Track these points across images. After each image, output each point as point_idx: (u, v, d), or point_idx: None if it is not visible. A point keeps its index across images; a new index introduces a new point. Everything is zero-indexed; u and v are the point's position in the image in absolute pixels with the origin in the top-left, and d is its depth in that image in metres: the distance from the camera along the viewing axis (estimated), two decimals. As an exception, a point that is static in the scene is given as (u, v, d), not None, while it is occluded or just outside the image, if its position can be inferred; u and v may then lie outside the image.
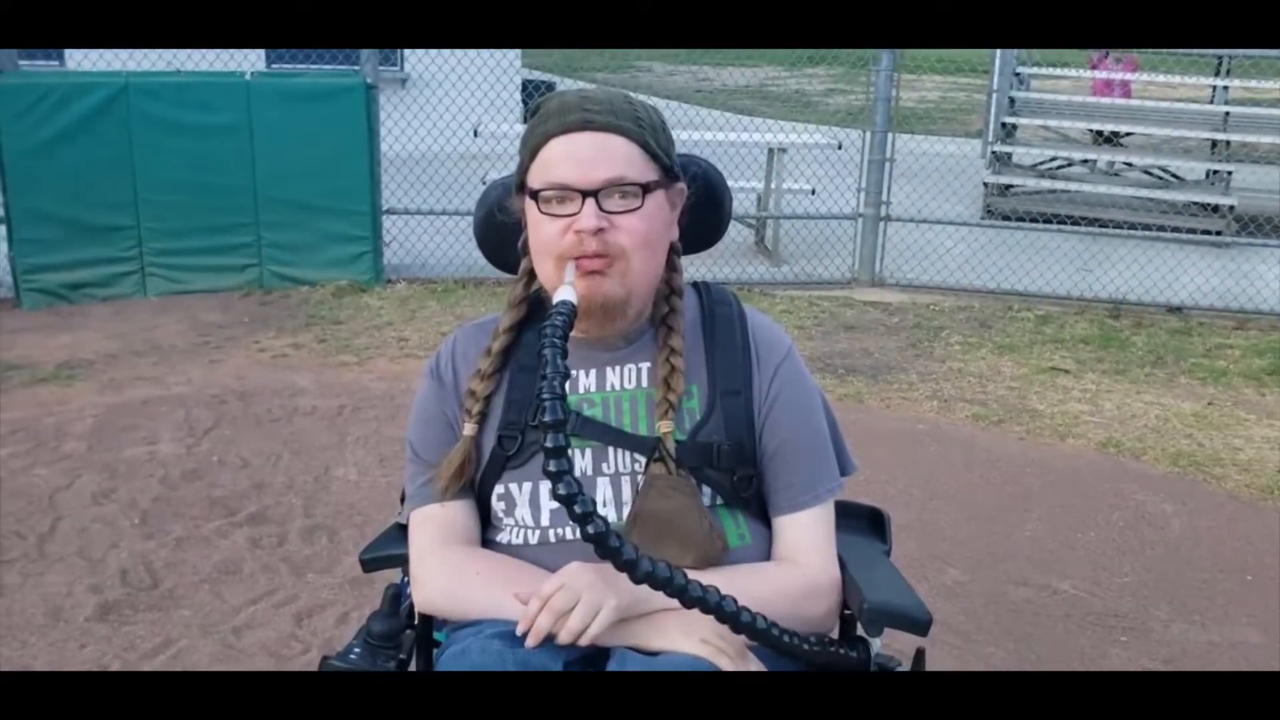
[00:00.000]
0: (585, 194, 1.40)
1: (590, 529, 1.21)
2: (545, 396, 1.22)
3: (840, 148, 6.81)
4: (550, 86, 11.14)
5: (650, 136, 1.45)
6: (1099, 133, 8.73)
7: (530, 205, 1.45)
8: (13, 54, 5.47)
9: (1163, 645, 2.82)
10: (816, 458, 1.54)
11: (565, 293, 1.36)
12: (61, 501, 3.38)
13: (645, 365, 1.52)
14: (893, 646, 1.67)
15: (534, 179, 1.43)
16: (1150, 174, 8.46)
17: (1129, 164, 8.49)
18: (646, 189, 1.43)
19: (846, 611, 1.52)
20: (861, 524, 1.71)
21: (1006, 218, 7.42)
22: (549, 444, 1.20)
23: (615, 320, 1.48)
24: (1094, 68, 9.67)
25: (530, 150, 1.45)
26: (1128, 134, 8.86)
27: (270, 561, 3.07)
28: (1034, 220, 6.79)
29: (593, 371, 1.52)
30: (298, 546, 3.16)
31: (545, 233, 1.43)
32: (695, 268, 5.90)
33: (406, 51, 9.83)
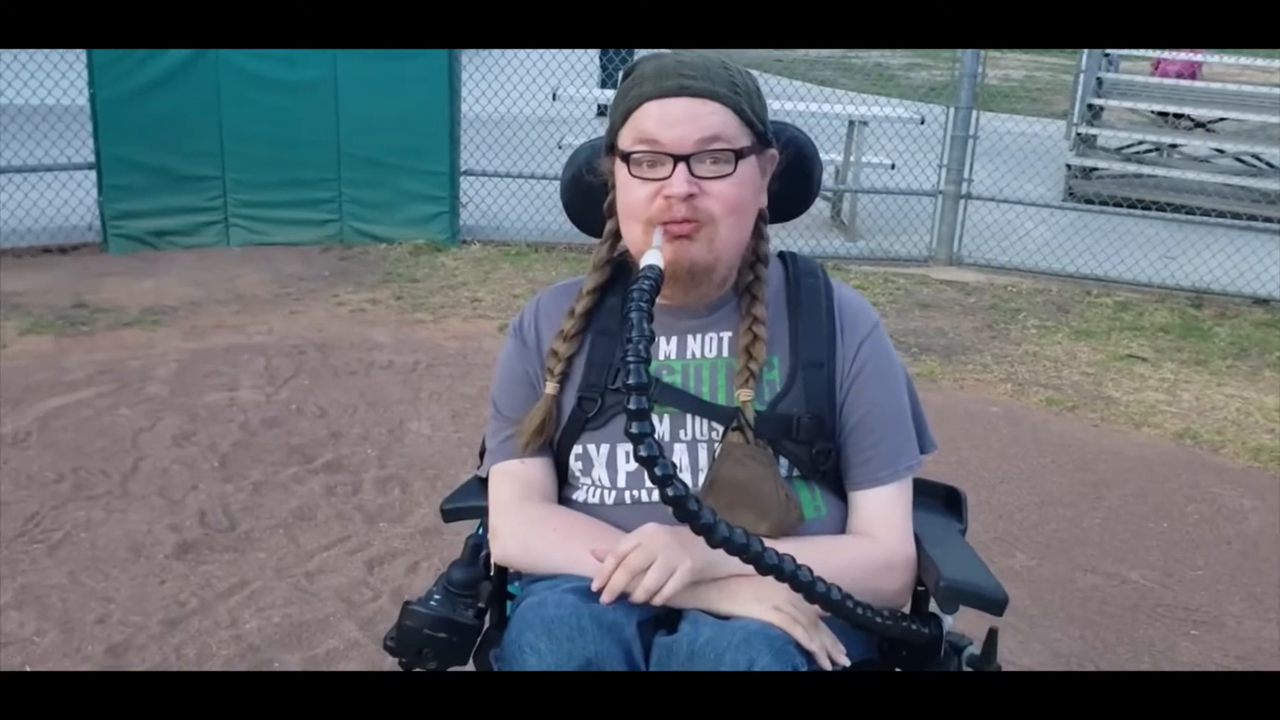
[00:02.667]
0: (677, 158, 1.39)
1: (670, 491, 1.22)
2: (630, 359, 1.23)
3: (923, 122, 6.70)
4: (630, 53, 11.09)
5: (745, 102, 1.44)
6: (1170, 114, 8.50)
7: (620, 167, 1.45)
8: (109, 3, 5.58)
9: (1236, 641, 2.77)
10: (897, 433, 1.53)
11: (652, 257, 1.37)
12: (144, 442, 3.48)
13: (727, 334, 1.52)
14: (964, 628, 1.67)
15: (625, 141, 1.44)
16: (1242, 161, 8.22)
17: (1220, 150, 8.25)
18: (740, 155, 1.42)
19: (919, 588, 1.52)
20: (937, 502, 1.71)
21: (1089, 201, 7.25)
22: (632, 406, 1.21)
23: (700, 286, 1.49)
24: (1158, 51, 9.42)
25: (623, 112, 1.45)
26: (1219, 119, 8.59)
27: (344, 509, 3.14)
28: (1118, 204, 6.63)
29: (674, 338, 1.53)
30: (371, 496, 3.22)
31: (634, 196, 1.43)
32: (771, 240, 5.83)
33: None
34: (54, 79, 5.67)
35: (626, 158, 1.43)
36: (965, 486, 3.47)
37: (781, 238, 5.92)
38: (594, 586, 1.35)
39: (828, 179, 7.06)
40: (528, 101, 6.44)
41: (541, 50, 6.65)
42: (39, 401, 3.73)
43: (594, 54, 9.54)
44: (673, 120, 1.40)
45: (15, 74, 5.49)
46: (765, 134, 1.48)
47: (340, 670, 2.43)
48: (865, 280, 5.76)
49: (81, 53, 5.37)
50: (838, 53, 17.27)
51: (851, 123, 6.77)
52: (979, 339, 4.97)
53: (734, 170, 1.42)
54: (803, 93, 7.85)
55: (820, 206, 7.08)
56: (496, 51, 7.76)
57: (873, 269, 6.00)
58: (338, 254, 5.70)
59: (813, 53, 17.15)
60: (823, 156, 6.32)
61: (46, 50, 5.67)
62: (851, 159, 6.72)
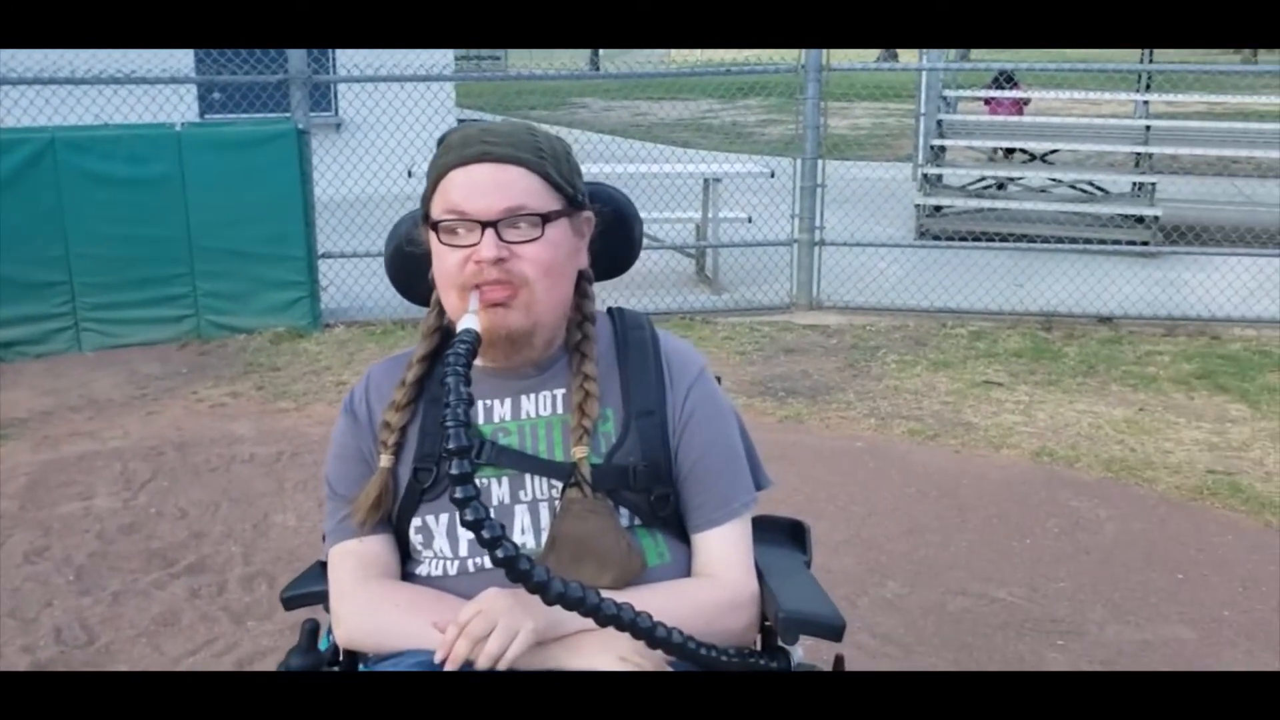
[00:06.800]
0: (485, 224, 1.42)
1: (499, 553, 1.22)
2: (449, 424, 1.23)
3: (773, 175, 6.90)
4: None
5: (552, 167, 1.47)
6: (1006, 151, 9.03)
7: (433, 236, 1.47)
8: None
9: (1099, 647, 2.87)
10: (731, 474, 1.56)
11: (469, 321, 1.38)
12: (-7, 562, 3.32)
13: (560, 392, 1.54)
14: (824, 657, 1.70)
15: (436, 210, 1.46)
16: (1078, 189, 8.67)
17: (1056, 180, 8.70)
18: (547, 219, 1.45)
19: (767, 623, 1.54)
20: (782, 537, 1.74)
21: (938, 238, 7.56)
22: (454, 471, 1.22)
23: (522, 350, 1.50)
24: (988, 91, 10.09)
25: (432, 181, 1.47)
26: (1052, 151, 9.05)
27: (209, 611, 3.04)
28: (965, 239, 6.92)
29: (508, 400, 1.54)
30: (237, 595, 3.13)
31: (447, 263, 1.45)
32: (636, 298, 5.93)
33: (339, 96, 9.83)
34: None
35: (437, 226, 1.45)
36: (835, 522, 3.55)
37: (650, 295, 6.05)
38: (437, 659, 1.34)
39: (689, 236, 7.21)
40: (383, 180, 6.44)
41: (394, 129, 6.67)
42: (-124, 531, 3.53)
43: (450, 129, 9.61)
44: (477, 187, 1.43)
45: None
46: (576, 196, 1.51)
47: None
48: (732, 331, 5.87)
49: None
50: (696, 114, 17.71)
51: (706, 180, 6.93)
52: (842, 378, 5.10)
53: (542, 233, 1.44)
54: (657, 155, 8.02)
55: (685, 263, 7.21)
56: (347, 133, 7.72)
57: (739, 319, 6.12)
58: (196, 349, 5.57)
59: (672, 115, 17.57)
60: (683, 214, 6.43)
61: None
62: (709, 215, 6.87)
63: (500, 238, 1.41)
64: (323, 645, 1.59)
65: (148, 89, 6.44)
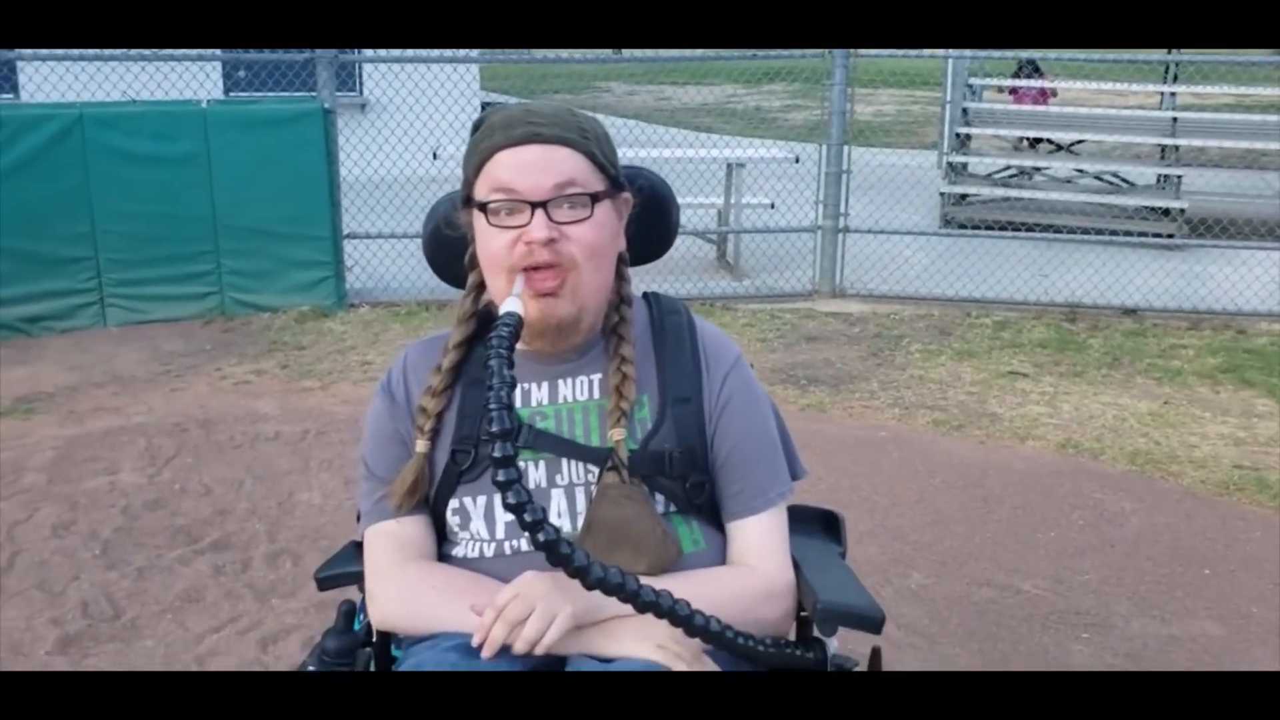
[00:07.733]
0: (535, 205, 1.41)
1: (540, 536, 1.22)
2: (493, 406, 1.23)
3: (798, 161, 6.86)
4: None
5: (596, 147, 1.46)
6: (1031, 140, 8.96)
7: (478, 218, 1.46)
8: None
9: (1124, 640, 2.85)
10: (767, 462, 1.55)
11: (512, 304, 1.37)
12: (20, 535, 3.34)
13: (597, 376, 1.53)
14: (851, 648, 1.69)
15: (481, 191, 1.44)
16: (1103, 180, 8.60)
17: (1081, 170, 8.62)
18: (595, 198, 1.44)
19: (803, 613, 1.53)
20: (816, 527, 1.73)
21: (963, 226, 7.51)
22: (497, 453, 1.21)
23: (569, 337, 1.49)
24: (1013, 80, 10.05)
25: (476, 164, 1.45)
26: (1078, 141, 8.98)
27: (234, 588, 3.05)
28: (990, 228, 6.87)
29: (545, 384, 1.53)
30: (262, 572, 3.14)
31: (495, 245, 1.43)
32: (657, 284, 5.92)
33: (365, 76, 9.83)
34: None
35: (484, 208, 1.44)
36: (859, 511, 3.54)
37: (670, 281, 6.03)
38: (474, 642, 1.33)
39: (711, 221, 7.18)
40: (408, 162, 6.44)
41: (420, 110, 6.67)
42: (-95, 502, 3.56)
43: (475, 112, 9.59)
44: (526, 167, 1.41)
45: None
46: (617, 178, 1.50)
47: None
48: (753, 318, 5.85)
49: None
50: (720, 99, 17.65)
51: (730, 165, 6.90)
52: (865, 367, 5.08)
53: (591, 214, 1.43)
54: (681, 139, 7.99)
55: (706, 249, 7.19)
56: (372, 114, 7.70)
57: (760, 306, 6.10)
58: (220, 327, 5.59)
59: (695, 100, 17.51)
60: (705, 200, 6.40)
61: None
62: (732, 201, 6.84)
63: (550, 218, 1.40)
64: (355, 626, 1.59)
65: (174, 65, 6.45)
